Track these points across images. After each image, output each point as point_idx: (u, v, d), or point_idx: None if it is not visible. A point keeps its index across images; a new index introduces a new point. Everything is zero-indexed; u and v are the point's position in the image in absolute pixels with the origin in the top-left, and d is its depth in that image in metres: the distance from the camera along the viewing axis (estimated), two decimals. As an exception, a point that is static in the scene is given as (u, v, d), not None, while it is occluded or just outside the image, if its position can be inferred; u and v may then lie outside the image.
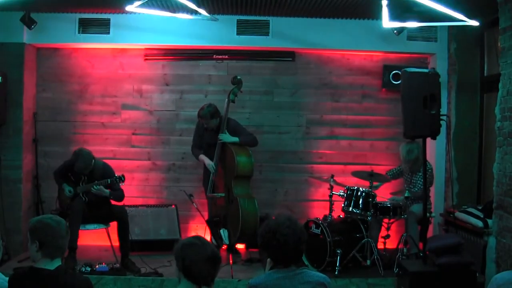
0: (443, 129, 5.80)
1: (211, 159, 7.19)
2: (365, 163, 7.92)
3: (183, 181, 7.97)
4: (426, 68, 7.63)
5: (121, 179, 6.52)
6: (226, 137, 7.12)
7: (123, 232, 6.63)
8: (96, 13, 7.52)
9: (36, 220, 3.38)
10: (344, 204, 6.88)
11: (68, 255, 6.23)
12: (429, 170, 6.91)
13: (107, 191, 6.55)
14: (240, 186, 7.07)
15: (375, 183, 7.00)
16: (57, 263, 3.27)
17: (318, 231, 6.61)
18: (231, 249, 7.00)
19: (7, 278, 3.41)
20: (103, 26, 7.57)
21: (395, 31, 7.11)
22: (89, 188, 6.51)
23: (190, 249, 3.12)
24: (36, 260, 3.28)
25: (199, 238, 3.21)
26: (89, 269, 6.26)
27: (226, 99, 7.18)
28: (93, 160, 6.65)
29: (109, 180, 6.50)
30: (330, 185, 7.05)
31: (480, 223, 6.33)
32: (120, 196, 6.72)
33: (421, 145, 6.69)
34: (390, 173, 7.38)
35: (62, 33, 7.58)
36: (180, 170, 8.04)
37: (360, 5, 6.90)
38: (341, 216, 7.14)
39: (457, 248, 5.66)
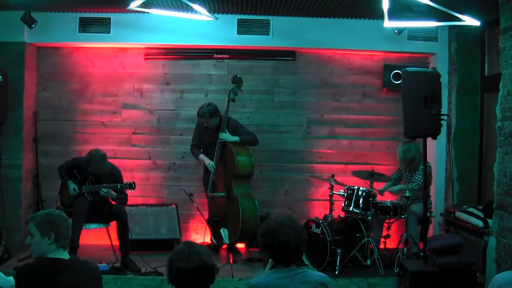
0: (443, 129, 5.79)
1: (211, 158, 7.18)
2: (365, 162, 7.92)
3: (183, 181, 7.97)
4: (427, 67, 7.63)
5: (132, 186, 6.52)
6: (227, 136, 7.11)
7: (122, 232, 6.62)
8: (97, 12, 7.52)
9: (44, 213, 3.44)
10: (344, 203, 6.88)
11: (69, 254, 6.22)
12: (428, 169, 6.92)
13: (115, 194, 6.56)
14: (240, 185, 7.06)
15: (375, 184, 7.00)
16: (67, 254, 3.38)
17: (318, 230, 6.61)
18: (232, 248, 7.01)
19: (9, 278, 3.41)
20: (103, 25, 7.56)
21: (395, 31, 7.10)
22: (96, 189, 6.50)
23: (177, 257, 3.01)
24: (48, 253, 3.33)
25: (189, 246, 3.07)
26: (89, 268, 6.26)
27: (226, 98, 7.19)
28: (108, 164, 6.65)
29: (119, 185, 6.51)
30: (331, 184, 7.05)
31: (480, 223, 6.33)
32: (125, 200, 6.77)
33: (418, 145, 6.73)
34: (393, 180, 7.38)
35: (62, 32, 7.57)
36: (181, 169, 8.04)
37: (361, 5, 6.89)
38: (341, 215, 7.14)
39: (458, 248, 5.66)
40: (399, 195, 7.23)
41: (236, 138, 7.13)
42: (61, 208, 6.81)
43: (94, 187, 6.56)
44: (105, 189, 6.46)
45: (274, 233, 3.30)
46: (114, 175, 6.68)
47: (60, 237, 3.35)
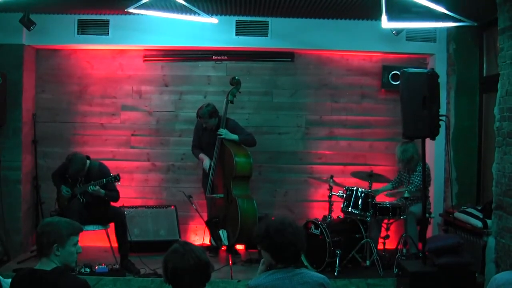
0: (442, 130, 5.80)
1: (210, 158, 7.19)
2: (364, 163, 7.93)
3: (183, 182, 7.98)
4: (425, 68, 7.63)
5: (116, 178, 6.50)
6: (227, 133, 7.12)
7: (121, 234, 6.63)
8: (95, 14, 7.52)
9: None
10: (343, 204, 6.88)
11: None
12: (427, 170, 6.93)
13: (103, 191, 6.56)
14: (239, 186, 7.06)
15: (375, 185, 7.00)
16: (51, 264, 3.27)
17: (317, 231, 6.62)
18: (231, 249, 7.01)
19: (7, 280, 3.41)
20: (102, 27, 7.56)
21: (394, 32, 7.11)
22: (86, 189, 6.52)
23: (172, 256, 3.08)
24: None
25: (184, 245, 3.14)
26: (88, 270, 6.27)
27: (225, 100, 7.19)
28: (87, 163, 6.65)
29: (104, 180, 6.50)
30: (330, 185, 7.05)
31: (479, 224, 6.33)
32: (115, 196, 6.74)
33: (416, 145, 6.73)
34: (394, 183, 7.37)
35: (61, 34, 7.57)
36: (180, 171, 8.04)
37: (359, 6, 6.89)
38: (340, 216, 7.14)
39: (457, 249, 5.66)
40: (398, 196, 7.22)
41: (235, 137, 7.13)
42: (58, 212, 6.83)
43: (84, 187, 6.58)
44: (92, 186, 6.46)
45: (282, 233, 3.33)
46: (102, 173, 6.68)
47: (39, 247, 3.31)
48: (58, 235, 3.30)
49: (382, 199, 7.19)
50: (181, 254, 3.05)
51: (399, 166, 7.24)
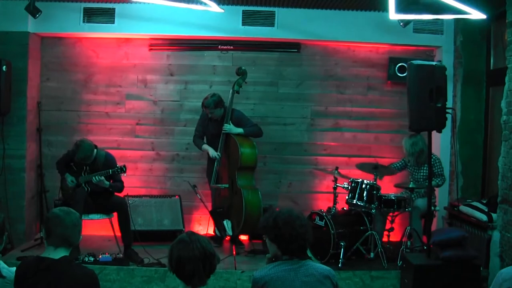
0: (448, 122, 5.77)
1: (215, 149, 7.17)
2: (369, 155, 7.91)
3: (187, 172, 7.97)
4: (432, 60, 7.60)
5: (123, 169, 6.50)
6: (231, 128, 7.10)
7: (123, 223, 6.65)
8: (101, 2, 7.48)
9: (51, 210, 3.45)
10: (348, 196, 6.87)
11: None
12: (438, 161, 6.94)
13: (107, 182, 6.55)
14: (244, 177, 7.05)
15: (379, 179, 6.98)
16: (62, 253, 3.27)
17: (322, 223, 6.61)
18: (235, 240, 7.02)
19: (12, 269, 3.41)
20: (108, 16, 7.52)
21: (401, 23, 7.05)
22: (91, 178, 6.51)
23: (178, 245, 3.09)
24: (45, 250, 3.33)
25: (191, 235, 3.15)
26: (92, 259, 6.28)
27: (231, 90, 7.17)
28: (94, 151, 6.63)
29: (110, 170, 6.50)
30: (335, 177, 7.02)
31: (484, 217, 6.32)
32: (120, 188, 6.76)
33: (424, 138, 6.70)
34: (394, 166, 7.35)
35: (66, 22, 7.53)
36: (184, 160, 8.04)
37: (367, -3, 6.87)
38: (345, 208, 7.13)
39: (461, 242, 5.64)
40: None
41: (240, 130, 7.12)
42: (63, 200, 6.84)
43: (89, 176, 6.57)
44: (97, 176, 6.46)
45: (291, 225, 3.34)
46: (108, 163, 6.68)
47: (49, 235, 3.30)
48: (81, 224, 3.39)
49: (387, 191, 7.16)
50: (187, 243, 3.07)
51: (408, 159, 7.19)
